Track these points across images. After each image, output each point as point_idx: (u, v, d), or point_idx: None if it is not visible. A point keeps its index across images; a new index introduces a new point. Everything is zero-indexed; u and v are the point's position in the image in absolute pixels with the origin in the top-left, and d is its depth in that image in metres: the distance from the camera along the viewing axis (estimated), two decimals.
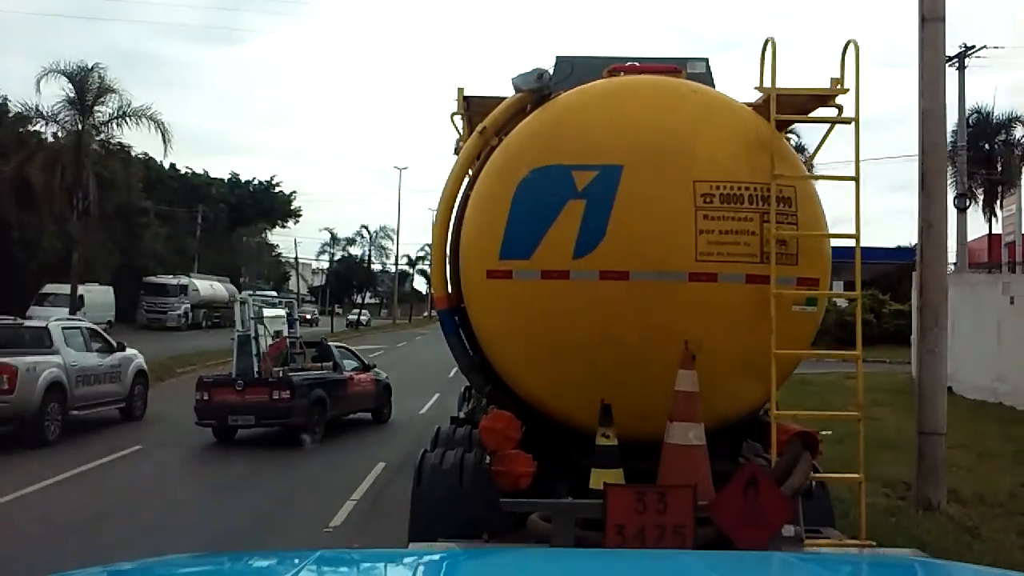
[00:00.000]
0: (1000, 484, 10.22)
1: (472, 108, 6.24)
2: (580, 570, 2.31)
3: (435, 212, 5.64)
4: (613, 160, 4.86)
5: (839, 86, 5.16)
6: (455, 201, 5.57)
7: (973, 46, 27.42)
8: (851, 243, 5.23)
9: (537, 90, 5.34)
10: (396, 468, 11.43)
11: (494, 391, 5.50)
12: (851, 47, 5.06)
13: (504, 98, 5.55)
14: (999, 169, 37.48)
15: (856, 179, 5.11)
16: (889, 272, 34.56)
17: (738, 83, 5.62)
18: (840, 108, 5.30)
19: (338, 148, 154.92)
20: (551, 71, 5.54)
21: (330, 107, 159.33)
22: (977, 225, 38.29)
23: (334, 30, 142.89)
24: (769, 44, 5.02)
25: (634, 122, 5.05)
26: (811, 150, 6.84)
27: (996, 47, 47.50)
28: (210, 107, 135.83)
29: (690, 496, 4.32)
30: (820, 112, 5.42)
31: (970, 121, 32.76)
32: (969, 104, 31.50)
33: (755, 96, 5.35)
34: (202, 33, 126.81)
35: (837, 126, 5.47)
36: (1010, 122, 38.06)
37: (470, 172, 5.67)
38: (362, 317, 60.72)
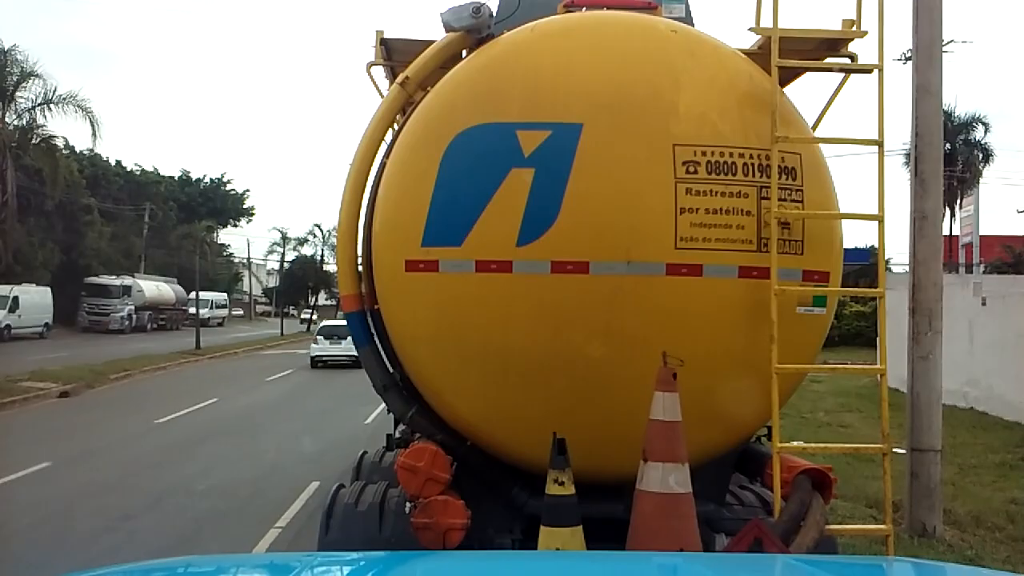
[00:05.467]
0: (993, 502, 9.71)
1: (395, 55, 5.12)
2: (581, 573, 2.24)
3: (343, 188, 4.42)
4: (570, 117, 3.88)
5: (855, 28, 4.09)
6: (368, 173, 4.42)
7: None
8: None
9: (473, 29, 4.25)
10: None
11: (418, 416, 4.37)
12: None
13: (433, 41, 4.39)
14: (960, 169, 37.49)
15: (880, 143, 4.05)
16: (847, 273, 34.31)
17: (726, 33, 4.52)
18: (854, 56, 4.24)
19: (290, 145, 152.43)
20: (492, 7, 4.38)
21: (281, 103, 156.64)
22: None
23: (282, 19, 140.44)
24: None
25: (597, 69, 4.01)
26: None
27: (964, 42, 47.27)
28: (161, 101, 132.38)
29: None
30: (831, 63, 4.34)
31: None
32: None
33: (750, 42, 4.27)
34: (144, 25, 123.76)
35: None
36: (972, 123, 38.20)
37: (388, 136, 4.50)
38: (305, 316, 58.59)
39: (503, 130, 3.91)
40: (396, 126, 4.58)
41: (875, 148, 4.11)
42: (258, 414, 17.85)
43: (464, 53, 4.41)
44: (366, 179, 4.46)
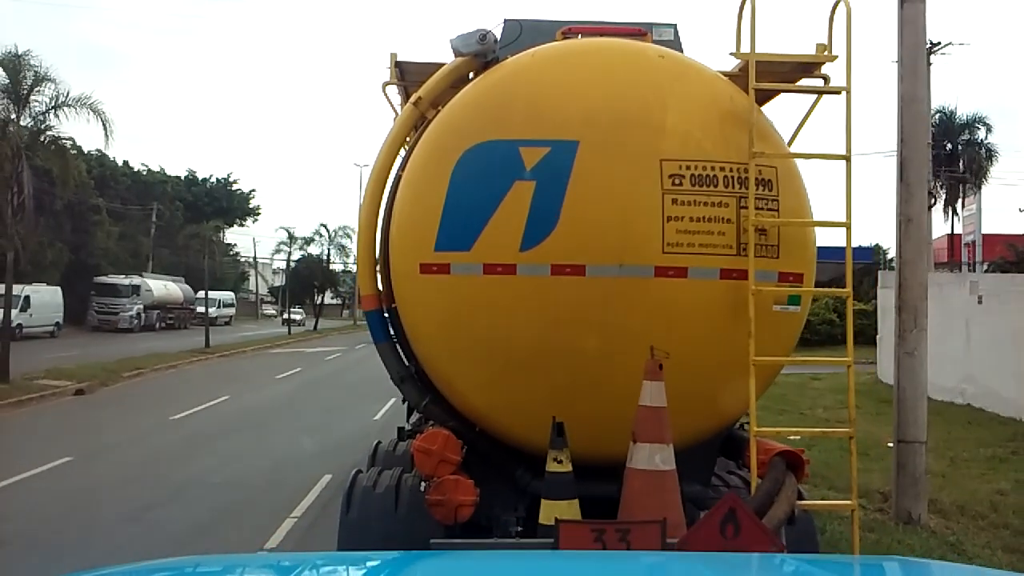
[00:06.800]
0: (979, 493, 9.91)
1: (407, 76, 5.51)
2: (580, 573, 2.23)
3: (361, 199, 4.85)
4: (567, 135, 4.24)
5: (826, 53, 4.50)
6: (385, 184, 4.83)
7: (939, 43, 27.27)
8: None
9: (480, 54, 4.64)
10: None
11: (431, 405, 4.78)
12: (841, 7, 4.40)
13: (444, 64, 4.80)
14: (961, 169, 37.69)
15: (847, 157, 4.44)
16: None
17: (712, 57, 4.92)
18: (826, 78, 4.65)
19: (296, 145, 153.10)
20: (497, 34, 4.79)
21: (287, 103, 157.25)
22: (937, 225, 38.49)
23: (287, 19, 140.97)
24: (748, 2, 4.34)
25: (592, 91, 4.38)
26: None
27: (961, 44, 47.73)
28: (167, 102, 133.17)
29: (657, 533, 3.60)
30: (805, 84, 4.74)
31: (935, 120, 32.88)
32: (934, 103, 31.61)
33: (731, 65, 4.67)
34: (153, 25, 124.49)
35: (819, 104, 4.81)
36: (974, 123, 38.35)
37: (403, 150, 4.92)
38: (294, 316, 56.16)
39: (507, 146, 4.26)
40: (410, 141, 5.00)
41: (844, 162, 4.50)
42: (269, 411, 18.05)
43: (471, 75, 4.78)
44: (383, 190, 4.84)
